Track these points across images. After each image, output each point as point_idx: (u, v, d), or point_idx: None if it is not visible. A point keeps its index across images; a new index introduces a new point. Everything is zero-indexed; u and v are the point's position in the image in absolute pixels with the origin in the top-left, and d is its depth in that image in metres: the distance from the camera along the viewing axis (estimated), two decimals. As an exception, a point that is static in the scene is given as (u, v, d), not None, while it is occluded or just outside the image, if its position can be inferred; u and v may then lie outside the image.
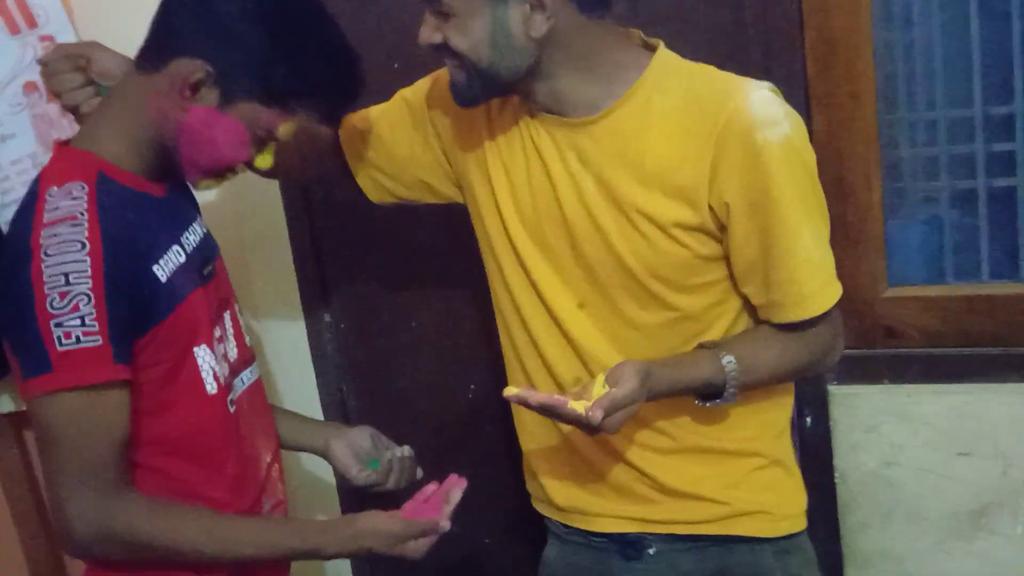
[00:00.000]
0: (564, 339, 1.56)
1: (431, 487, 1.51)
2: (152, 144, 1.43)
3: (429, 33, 1.42)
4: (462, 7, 1.37)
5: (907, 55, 2.04)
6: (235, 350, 1.58)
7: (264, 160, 1.48)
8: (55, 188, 1.36)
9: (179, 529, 1.40)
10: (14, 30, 1.78)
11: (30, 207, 1.36)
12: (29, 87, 1.80)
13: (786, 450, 1.63)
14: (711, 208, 1.42)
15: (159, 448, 1.45)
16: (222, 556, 1.42)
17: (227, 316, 1.58)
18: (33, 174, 1.76)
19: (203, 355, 1.47)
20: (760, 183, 1.39)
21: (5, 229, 1.74)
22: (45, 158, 1.78)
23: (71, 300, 1.29)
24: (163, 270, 1.41)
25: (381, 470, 1.68)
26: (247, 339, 1.64)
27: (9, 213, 1.74)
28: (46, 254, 1.30)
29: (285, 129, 1.42)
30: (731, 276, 1.49)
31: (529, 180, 1.53)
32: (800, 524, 1.62)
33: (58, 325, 1.28)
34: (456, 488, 1.49)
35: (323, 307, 2.26)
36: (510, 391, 1.38)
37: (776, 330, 1.49)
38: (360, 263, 2.22)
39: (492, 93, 1.48)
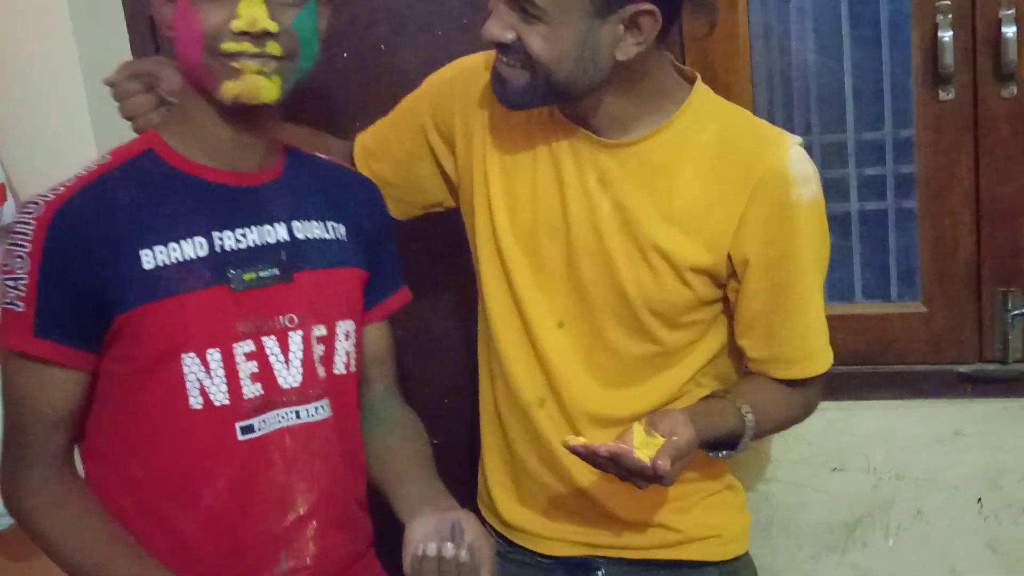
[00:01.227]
0: (534, 356, 1.52)
1: None
2: (201, 117, 1.35)
3: (501, 30, 1.33)
4: (558, 14, 1.29)
5: (784, 82, 2.11)
6: (297, 378, 1.39)
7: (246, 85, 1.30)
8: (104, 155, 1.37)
9: (68, 540, 1.33)
10: None
11: None
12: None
13: (731, 471, 1.64)
14: (729, 257, 1.41)
15: (127, 453, 1.36)
16: None
17: (294, 337, 1.39)
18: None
19: (191, 364, 1.32)
20: (785, 240, 1.39)
21: None
22: None
23: (13, 260, 1.28)
24: (154, 258, 1.30)
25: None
26: (321, 371, 1.42)
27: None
28: (20, 210, 1.31)
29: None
30: (720, 318, 1.49)
31: (533, 186, 1.48)
32: (745, 544, 1.63)
33: (4, 283, 1.29)
34: None
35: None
36: (571, 441, 1.32)
37: (779, 384, 1.50)
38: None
39: (548, 102, 1.42)
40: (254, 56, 1.28)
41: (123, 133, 1.73)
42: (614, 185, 1.43)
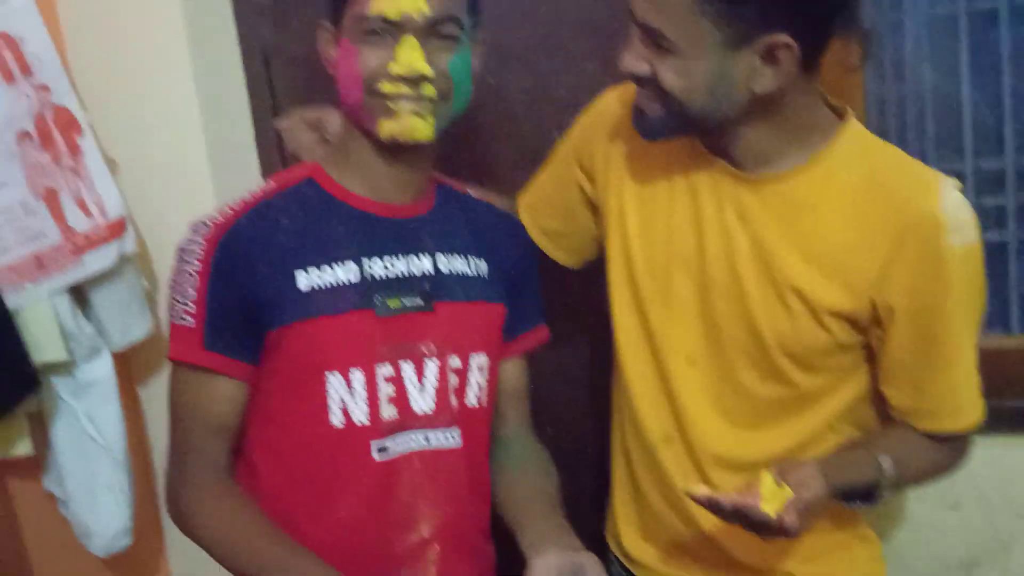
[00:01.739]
0: (662, 392, 1.48)
1: None
2: (360, 152, 1.44)
3: (635, 62, 1.32)
4: (689, 48, 1.26)
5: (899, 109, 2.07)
6: (431, 405, 1.43)
7: (400, 125, 1.37)
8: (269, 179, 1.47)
9: (233, 542, 1.38)
10: (9, 79, 1.78)
11: None
12: (23, 136, 1.80)
13: (866, 521, 1.56)
14: (872, 303, 1.34)
15: (270, 463, 1.44)
16: None
17: (430, 365, 1.43)
18: (25, 222, 1.79)
19: (335, 383, 1.38)
20: (935, 290, 1.31)
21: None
22: (36, 206, 1.80)
23: (182, 278, 1.39)
24: (309, 279, 1.38)
25: None
26: (454, 401, 1.46)
27: (1, 260, 1.76)
28: (189, 230, 1.41)
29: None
30: (861, 363, 1.41)
31: (669, 219, 1.45)
32: None
33: (174, 299, 1.40)
34: None
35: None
36: (695, 491, 1.29)
37: (923, 436, 1.42)
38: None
39: (685, 133, 1.39)
40: (410, 99, 1.35)
41: (237, 169, 1.79)
42: (754, 221, 1.38)
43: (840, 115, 1.39)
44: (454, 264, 1.48)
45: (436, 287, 1.45)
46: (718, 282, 1.41)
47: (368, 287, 1.40)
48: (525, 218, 1.67)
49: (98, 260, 1.86)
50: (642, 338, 1.49)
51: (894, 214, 1.30)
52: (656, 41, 1.28)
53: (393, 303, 1.41)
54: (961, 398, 1.38)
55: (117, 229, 1.88)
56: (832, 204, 1.34)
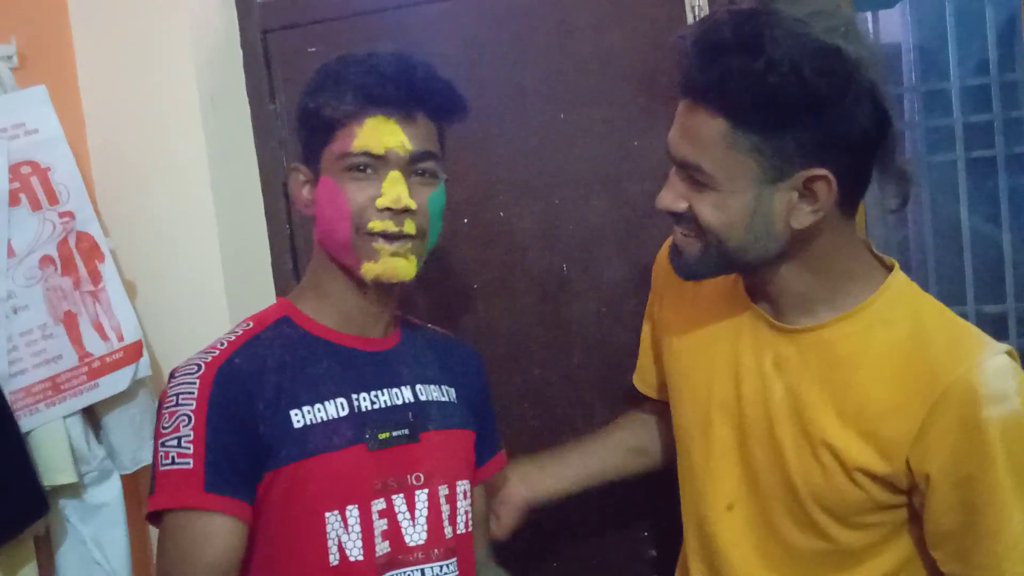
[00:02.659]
0: (704, 536, 1.45)
1: None
2: (336, 288, 1.43)
3: (673, 199, 1.30)
4: (727, 183, 1.24)
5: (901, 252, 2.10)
6: (422, 535, 1.42)
7: (387, 266, 1.37)
8: (240, 323, 1.44)
9: None
10: (36, 206, 1.83)
11: None
12: (45, 261, 1.84)
13: None
14: (909, 468, 1.27)
15: None
16: None
17: (420, 496, 1.43)
18: (42, 345, 1.82)
19: (333, 522, 1.36)
20: (975, 461, 1.24)
21: (9, 398, 1.76)
22: (55, 329, 1.82)
23: (175, 420, 1.31)
24: (303, 417, 1.36)
25: None
26: (448, 531, 1.45)
27: (16, 383, 1.78)
28: (173, 376, 1.36)
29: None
30: (909, 523, 1.34)
31: (711, 363, 1.43)
32: None
33: (163, 445, 1.31)
34: None
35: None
36: None
37: None
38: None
39: (723, 272, 1.37)
40: (391, 238, 1.36)
41: (252, 293, 1.82)
42: (789, 371, 1.35)
43: (888, 268, 1.36)
44: (430, 393, 1.49)
45: (418, 416, 1.45)
46: (754, 429, 1.38)
47: (358, 421, 1.39)
48: (646, 392, 1.69)
49: (113, 383, 1.88)
50: (687, 479, 1.48)
51: (932, 378, 1.25)
52: (694, 177, 1.27)
53: (383, 435, 1.41)
54: (1007, 572, 1.28)
55: (133, 353, 1.91)
56: (871, 361, 1.29)
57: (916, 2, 2.57)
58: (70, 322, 1.86)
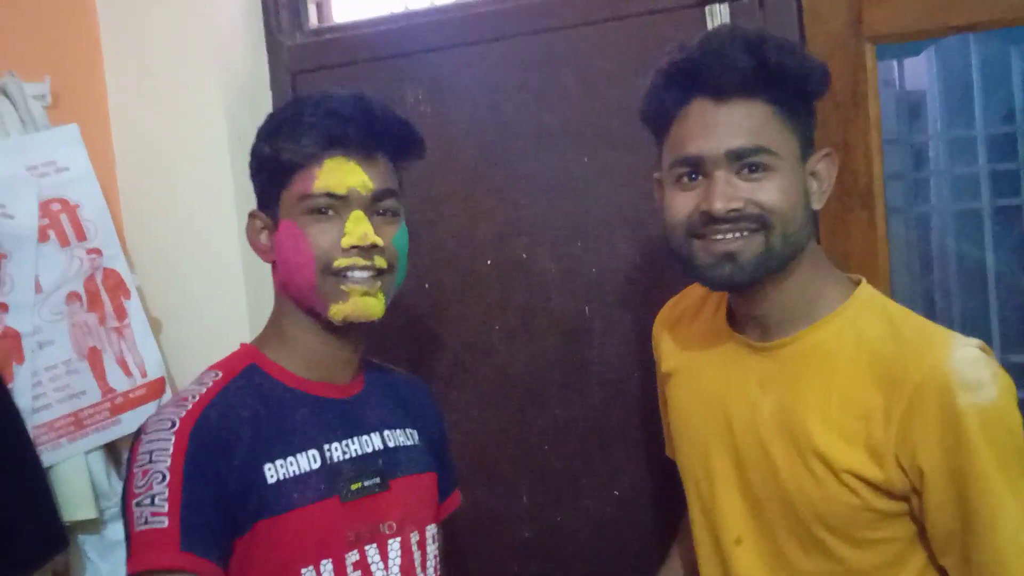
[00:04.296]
0: (722, 573, 1.44)
1: None
2: (301, 333, 1.40)
3: (730, 198, 1.30)
4: (786, 161, 1.30)
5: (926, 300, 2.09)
6: None
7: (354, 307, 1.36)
8: (204, 371, 1.39)
9: None
10: (64, 243, 1.85)
11: None
12: (71, 297, 1.86)
13: None
14: (901, 467, 1.27)
15: None
16: None
17: (392, 544, 1.41)
18: (66, 380, 1.83)
19: None
20: (960, 451, 1.23)
21: (33, 433, 1.77)
22: (79, 365, 1.84)
23: (149, 479, 1.25)
24: (276, 472, 1.31)
25: None
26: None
27: (40, 417, 1.79)
28: (144, 432, 1.30)
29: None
30: (919, 538, 1.32)
31: (703, 398, 1.45)
32: None
33: (137, 504, 1.24)
34: None
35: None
36: None
37: None
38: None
39: (775, 268, 1.34)
40: (363, 269, 1.35)
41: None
42: (775, 388, 1.37)
43: (855, 283, 1.39)
44: (397, 438, 1.47)
45: (388, 464, 1.43)
46: (750, 455, 1.39)
47: (331, 472, 1.36)
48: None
49: (136, 420, 1.87)
50: (698, 517, 1.48)
51: (905, 373, 1.27)
52: (753, 165, 1.29)
53: (355, 486, 1.37)
54: (1009, 569, 1.25)
55: (156, 389, 1.92)
56: (847, 363, 1.32)
57: (941, 50, 2.57)
58: (94, 358, 1.87)
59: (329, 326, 1.39)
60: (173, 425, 1.28)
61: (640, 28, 1.86)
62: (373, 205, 1.37)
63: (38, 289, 1.82)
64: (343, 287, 1.35)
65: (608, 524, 1.99)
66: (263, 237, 1.41)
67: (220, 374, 1.37)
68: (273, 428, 1.34)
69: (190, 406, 1.31)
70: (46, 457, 1.78)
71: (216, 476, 1.27)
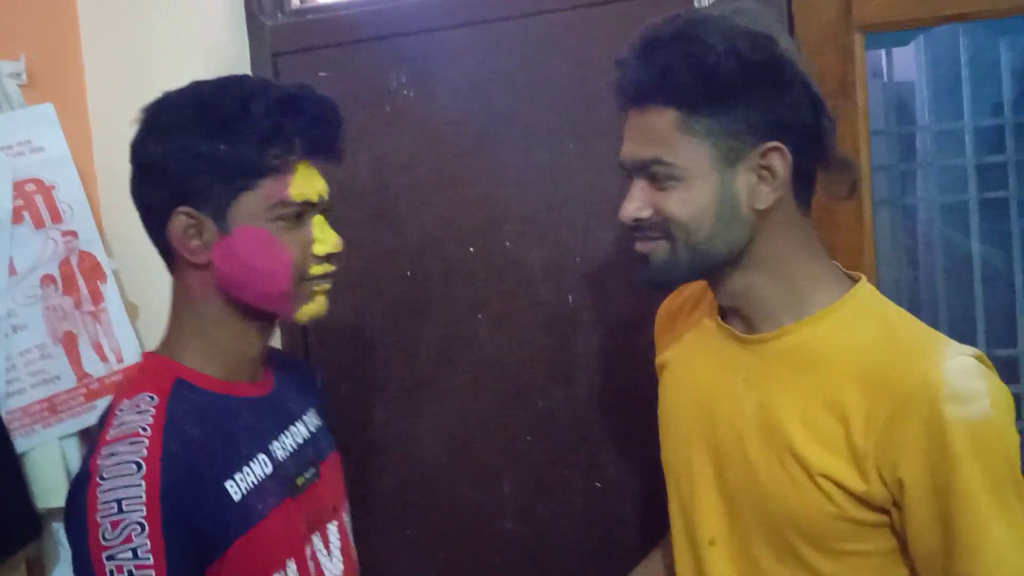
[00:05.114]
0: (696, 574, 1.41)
1: None
2: (227, 335, 1.34)
3: (637, 207, 1.30)
4: (689, 171, 1.25)
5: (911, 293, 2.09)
6: (340, 567, 1.42)
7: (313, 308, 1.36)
8: (126, 401, 1.26)
9: None
10: (39, 224, 1.82)
11: (102, 423, 1.26)
12: (46, 279, 1.83)
13: None
14: (882, 478, 1.21)
15: None
16: None
17: (332, 528, 1.42)
18: (40, 365, 1.80)
19: None
20: (945, 466, 1.16)
21: (6, 418, 1.74)
22: (54, 349, 1.81)
23: (123, 530, 1.16)
24: (238, 487, 1.28)
25: None
26: (354, 555, 1.47)
27: (14, 403, 1.76)
28: (101, 477, 1.18)
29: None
30: (901, 554, 1.25)
31: (689, 389, 1.43)
32: None
33: (110, 558, 1.15)
34: None
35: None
36: None
37: None
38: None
39: (692, 274, 1.34)
40: (328, 277, 1.36)
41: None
42: (758, 385, 1.33)
43: (855, 280, 1.34)
44: (312, 422, 1.48)
45: (315, 451, 1.44)
46: (729, 452, 1.35)
47: (281, 473, 1.35)
48: None
49: (111, 406, 1.86)
50: (677, 513, 1.46)
51: (894, 381, 1.21)
52: (656, 175, 1.27)
53: (300, 480, 1.38)
54: None
55: (132, 376, 1.89)
56: (834, 365, 1.26)
57: (930, 41, 2.56)
58: (69, 343, 1.85)
59: (262, 327, 1.37)
60: (140, 468, 1.19)
61: (630, 13, 1.83)
62: (323, 209, 1.37)
63: (12, 271, 1.80)
64: (313, 289, 1.34)
65: (590, 516, 1.97)
66: (196, 238, 1.30)
67: (156, 398, 1.27)
68: (222, 443, 1.29)
69: (147, 443, 1.21)
70: (20, 443, 1.76)
71: (190, 512, 1.21)
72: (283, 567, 1.31)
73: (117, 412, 1.25)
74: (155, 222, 1.32)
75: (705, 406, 1.39)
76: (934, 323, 2.03)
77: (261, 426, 1.36)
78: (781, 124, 1.25)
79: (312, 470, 1.40)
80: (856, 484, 1.22)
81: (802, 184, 1.29)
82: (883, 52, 2.57)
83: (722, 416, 1.36)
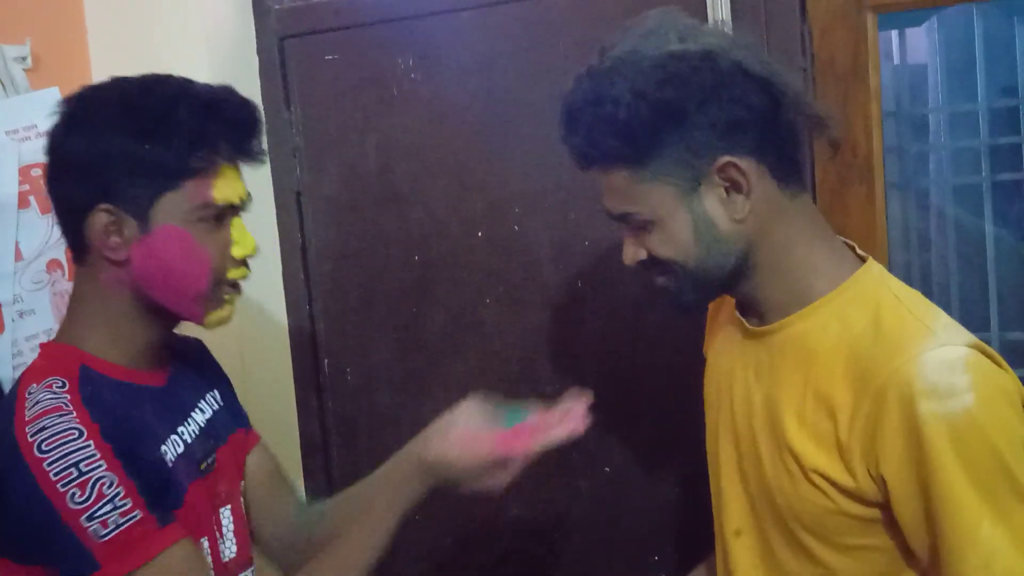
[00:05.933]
0: (725, 565, 1.41)
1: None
2: (132, 327, 1.34)
3: (633, 252, 1.32)
4: (657, 214, 1.26)
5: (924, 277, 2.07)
6: (233, 550, 1.43)
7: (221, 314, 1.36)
8: (34, 386, 1.24)
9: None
10: (45, 210, 1.81)
11: (9, 408, 1.24)
12: (52, 265, 1.83)
13: None
14: (871, 476, 1.19)
15: None
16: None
17: (227, 512, 1.44)
18: (48, 349, 1.80)
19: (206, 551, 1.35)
20: (925, 463, 1.13)
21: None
22: (61, 335, 1.81)
23: (93, 488, 1.17)
24: (172, 452, 1.32)
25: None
26: (249, 536, 1.50)
27: (18, 387, 1.76)
28: (40, 450, 1.18)
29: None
30: (907, 555, 1.23)
31: (718, 382, 1.44)
32: None
33: (90, 518, 1.16)
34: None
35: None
36: None
37: None
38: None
39: (707, 295, 1.38)
40: (238, 287, 1.37)
41: (262, 308, 1.78)
42: (766, 378, 1.32)
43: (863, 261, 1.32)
44: (211, 405, 1.49)
45: (213, 436, 1.45)
46: (745, 444, 1.35)
47: (190, 456, 1.36)
48: None
49: (118, 391, 1.86)
50: (714, 505, 1.46)
51: (875, 372, 1.17)
52: (634, 224, 1.30)
53: (203, 464, 1.40)
54: None
55: (139, 361, 1.89)
56: (823, 358, 1.24)
57: (944, 21, 2.53)
58: (76, 328, 1.84)
59: (168, 323, 1.38)
60: (81, 434, 1.19)
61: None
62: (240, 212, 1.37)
63: (18, 257, 1.79)
64: (225, 295, 1.35)
65: (598, 501, 1.97)
66: (116, 235, 1.29)
67: (66, 383, 1.25)
68: (141, 419, 1.30)
69: (75, 413, 1.21)
70: (26, 429, 1.75)
71: (143, 466, 1.23)
72: (199, 544, 1.33)
73: (27, 396, 1.23)
74: (72, 216, 1.31)
75: (728, 397, 1.40)
76: (946, 306, 2.02)
77: (169, 412, 1.37)
78: (728, 129, 1.23)
79: (212, 455, 1.42)
80: (846, 480, 1.21)
81: (781, 168, 1.26)
82: (895, 33, 2.54)
83: (738, 408, 1.37)
